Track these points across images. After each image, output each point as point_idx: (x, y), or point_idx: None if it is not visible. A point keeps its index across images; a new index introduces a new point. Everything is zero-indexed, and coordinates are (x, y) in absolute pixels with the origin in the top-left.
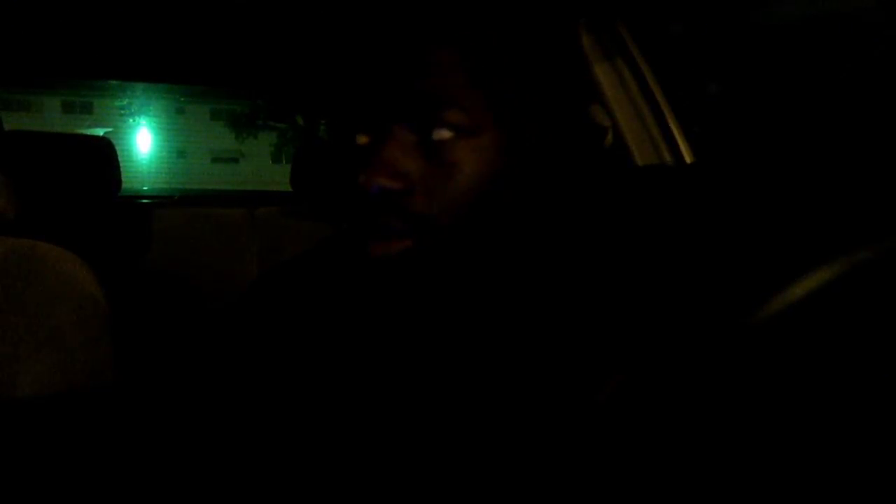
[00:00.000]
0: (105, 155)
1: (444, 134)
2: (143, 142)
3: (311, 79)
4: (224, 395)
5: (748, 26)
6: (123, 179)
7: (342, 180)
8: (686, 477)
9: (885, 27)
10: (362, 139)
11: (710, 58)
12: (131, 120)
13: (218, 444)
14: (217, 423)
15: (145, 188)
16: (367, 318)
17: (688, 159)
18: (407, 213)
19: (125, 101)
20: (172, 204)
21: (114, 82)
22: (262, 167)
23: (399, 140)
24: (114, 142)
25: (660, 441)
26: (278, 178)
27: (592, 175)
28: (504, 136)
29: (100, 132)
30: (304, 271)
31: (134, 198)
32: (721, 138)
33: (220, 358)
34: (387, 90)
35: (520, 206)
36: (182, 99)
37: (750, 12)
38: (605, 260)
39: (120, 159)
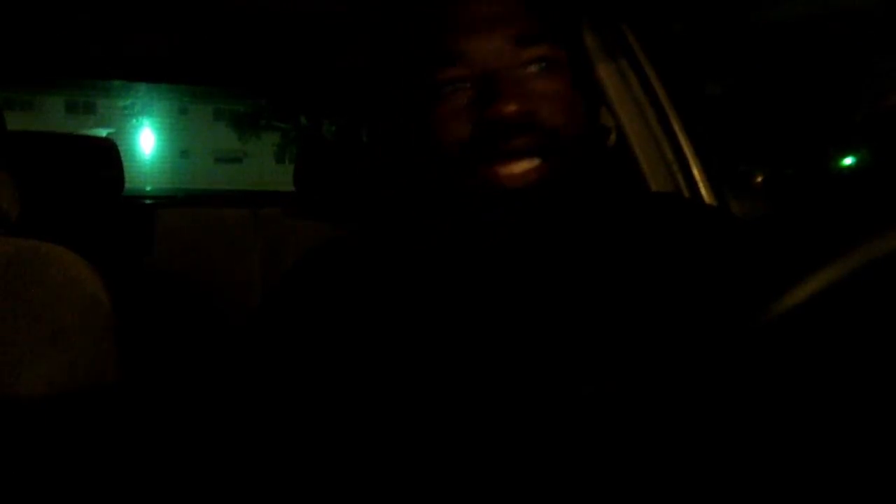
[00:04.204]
0: (108, 155)
1: (542, 64)
2: (147, 142)
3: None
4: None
5: (750, 26)
6: (127, 180)
7: (349, 177)
8: (679, 475)
9: (885, 27)
10: (453, 72)
11: (714, 58)
12: (135, 120)
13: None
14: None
15: (149, 188)
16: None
17: (691, 159)
18: (538, 129)
19: (128, 102)
20: (176, 204)
21: (117, 82)
22: (265, 167)
23: (509, 71)
24: (117, 142)
25: (654, 438)
26: (281, 178)
27: (599, 170)
28: (571, 74)
29: (103, 132)
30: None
31: (137, 198)
32: (724, 138)
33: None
34: (493, 29)
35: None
36: (185, 99)
37: (751, 12)
38: (612, 251)
39: (123, 159)
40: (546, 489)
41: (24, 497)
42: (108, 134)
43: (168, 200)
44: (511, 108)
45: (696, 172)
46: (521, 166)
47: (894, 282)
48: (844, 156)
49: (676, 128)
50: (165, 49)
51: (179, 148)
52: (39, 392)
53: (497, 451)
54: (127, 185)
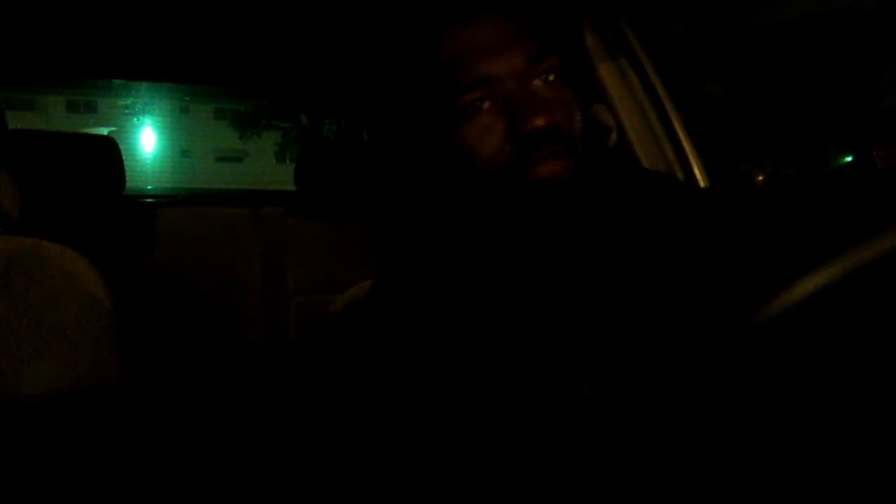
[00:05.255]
0: (109, 154)
1: (548, 76)
2: (148, 141)
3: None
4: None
5: (750, 26)
6: (128, 178)
7: (350, 177)
8: (678, 475)
9: (884, 26)
10: (476, 94)
11: (714, 57)
12: (135, 119)
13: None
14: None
15: (150, 187)
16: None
17: (692, 159)
18: (560, 133)
19: (129, 101)
20: (176, 203)
21: (118, 81)
22: (265, 166)
23: (526, 88)
24: (118, 141)
25: (653, 438)
26: (282, 177)
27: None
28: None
29: (104, 131)
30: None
31: (138, 197)
32: (724, 138)
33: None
34: (505, 53)
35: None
36: (186, 98)
37: (752, 12)
38: (611, 251)
39: (124, 158)
40: (546, 488)
41: (25, 496)
42: (110, 133)
43: (169, 199)
44: (540, 122)
45: (696, 172)
46: (552, 167)
47: (892, 282)
48: (844, 156)
49: (677, 127)
50: (166, 48)
51: (181, 147)
52: (40, 390)
53: (497, 450)
54: (128, 183)
